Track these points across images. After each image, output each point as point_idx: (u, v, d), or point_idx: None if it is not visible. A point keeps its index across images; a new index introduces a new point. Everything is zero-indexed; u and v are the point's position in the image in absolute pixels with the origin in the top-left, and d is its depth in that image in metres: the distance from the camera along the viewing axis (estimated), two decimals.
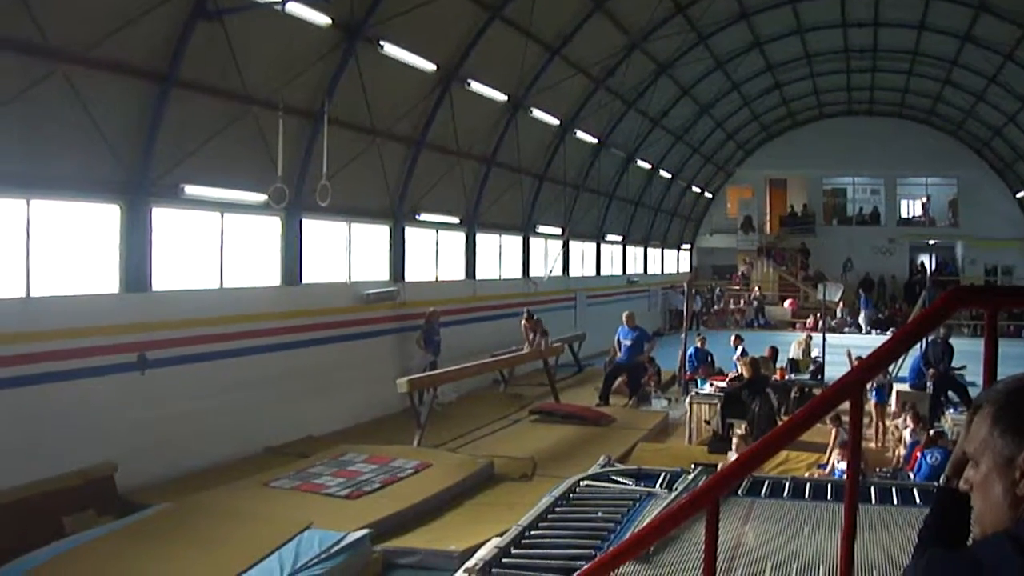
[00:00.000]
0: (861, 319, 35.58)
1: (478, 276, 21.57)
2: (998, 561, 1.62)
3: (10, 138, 10.16)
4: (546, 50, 20.32)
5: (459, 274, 21.01)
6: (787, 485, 6.10)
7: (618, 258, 33.14)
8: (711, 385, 16.26)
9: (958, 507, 2.08)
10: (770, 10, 26.17)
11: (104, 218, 11.76)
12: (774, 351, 17.92)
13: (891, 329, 31.83)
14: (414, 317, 17.87)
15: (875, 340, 24.63)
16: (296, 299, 15.06)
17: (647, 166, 31.56)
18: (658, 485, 6.34)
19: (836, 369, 16.14)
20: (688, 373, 19.17)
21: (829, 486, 6.09)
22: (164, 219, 12.54)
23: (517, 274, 23.97)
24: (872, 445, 14.36)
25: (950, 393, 16.14)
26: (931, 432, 11.62)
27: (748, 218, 41.46)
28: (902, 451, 12.62)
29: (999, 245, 38.42)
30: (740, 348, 18.43)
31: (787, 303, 38.66)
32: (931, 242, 42.36)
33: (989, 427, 1.79)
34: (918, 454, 11.62)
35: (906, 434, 12.69)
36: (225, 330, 13.43)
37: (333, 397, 15.45)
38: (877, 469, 12.06)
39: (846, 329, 34.40)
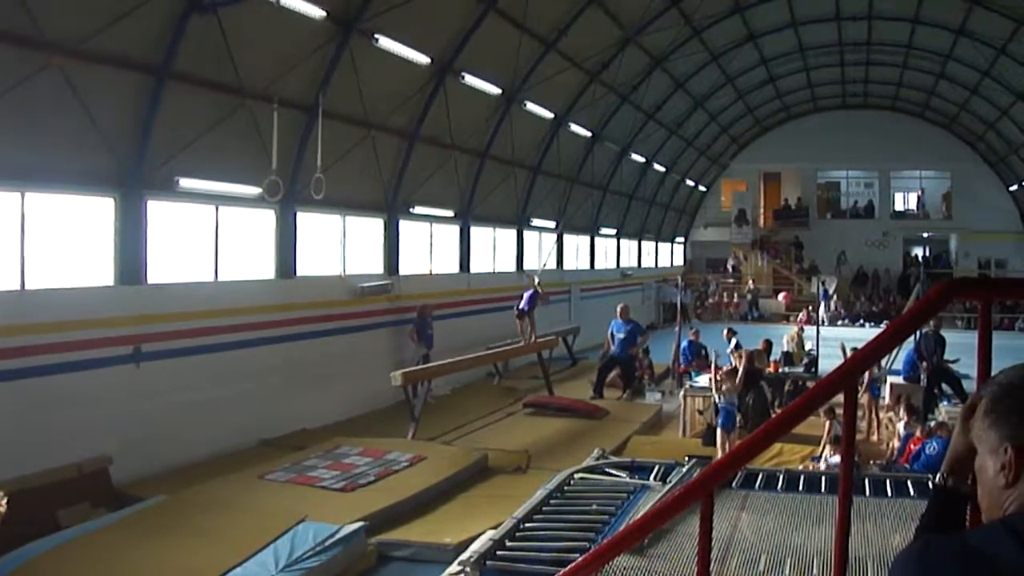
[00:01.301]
0: (820, 311, 35.62)
1: (472, 269, 21.57)
2: (990, 546, 1.65)
3: (5, 130, 10.13)
4: (541, 43, 20.29)
5: (453, 267, 21.01)
6: (781, 478, 6.13)
7: (612, 251, 33.15)
8: (705, 378, 16.29)
9: (955, 504, 2.10)
10: (764, 3, 26.15)
11: (99, 211, 11.74)
12: (768, 344, 17.91)
13: (884, 322, 31.90)
14: (408, 310, 17.89)
15: (869, 333, 24.63)
16: (290, 292, 15.05)
17: (641, 159, 31.57)
18: (652, 477, 6.36)
19: (830, 362, 16.16)
20: (682, 366, 19.19)
21: (823, 479, 6.12)
22: (159, 212, 12.52)
23: (511, 267, 23.97)
24: (863, 437, 14.40)
25: (944, 385, 16.17)
26: (932, 424, 11.63)
27: (742, 211, 41.46)
28: (896, 443, 12.66)
29: (992, 238, 38.50)
30: (734, 341, 18.45)
31: (781, 296, 38.70)
32: (925, 235, 42.44)
33: (982, 417, 1.87)
34: (912, 447, 11.67)
35: (900, 427, 12.74)
36: (220, 323, 13.43)
37: (327, 390, 15.46)
38: (872, 462, 12.11)
39: (839, 322, 34.43)
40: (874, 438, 14.71)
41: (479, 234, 22.12)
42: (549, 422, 15.57)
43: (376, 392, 16.14)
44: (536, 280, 19.01)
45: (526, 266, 24.17)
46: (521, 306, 18.33)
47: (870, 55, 32.32)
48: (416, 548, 9.27)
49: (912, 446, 11.74)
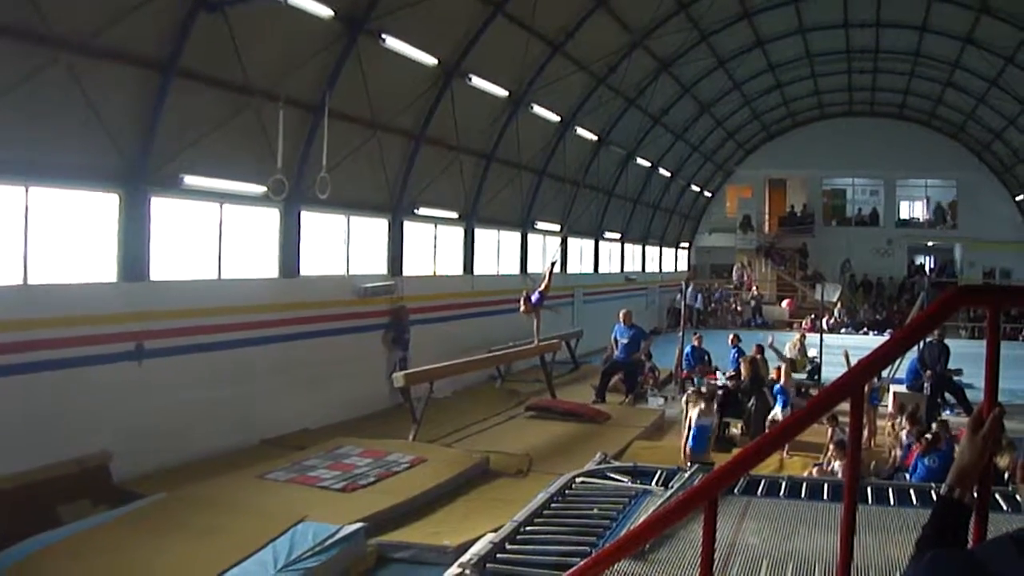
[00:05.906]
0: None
1: (476, 271, 21.55)
2: (1000, 563, 1.60)
3: (10, 126, 10.13)
4: (548, 46, 20.28)
5: (457, 269, 20.99)
6: (783, 484, 6.10)
7: (616, 255, 33.12)
8: (707, 384, 16.27)
9: (958, 517, 2.05)
10: (772, 9, 26.14)
11: (103, 207, 11.73)
12: (760, 349, 17.69)
13: (888, 330, 31.85)
14: (411, 311, 17.86)
15: (872, 341, 24.57)
16: (294, 291, 15.04)
17: (647, 164, 31.53)
18: (654, 482, 6.33)
19: (833, 370, 16.12)
20: (685, 371, 19.15)
21: (825, 486, 6.09)
22: (163, 209, 12.52)
23: (515, 270, 23.94)
24: (864, 446, 14.34)
25: (947, 395, 16.13)
26: (929, 435, 11.54)
27: (747, 217, 41.44)
28: (899, 452, 12.63)
29: (998, 247, 38.40)
30: (739, 347, 18.39)
31: (785, 303, 38.63)
32: (930, 244, 42.37)
33: None
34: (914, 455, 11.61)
35: (903, 435, 12.70)
36: (222, 321, 13.42)
37: (329, 390, 15.44)
38: (873, 465, 12.07)
39: (843, 330, 34.35)
40: (874, 447, 14.64)
41: (483, 236, 22.09)
42: (551, 426, 15.54)
43: (378, 393, 16.14)
44: (552, 264, 18.88)
45: (530, 269, 24.13)
46: (534, 298, 17.83)
47: (877, 63, 32.29)
48: (416, 550, 9.25)
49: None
